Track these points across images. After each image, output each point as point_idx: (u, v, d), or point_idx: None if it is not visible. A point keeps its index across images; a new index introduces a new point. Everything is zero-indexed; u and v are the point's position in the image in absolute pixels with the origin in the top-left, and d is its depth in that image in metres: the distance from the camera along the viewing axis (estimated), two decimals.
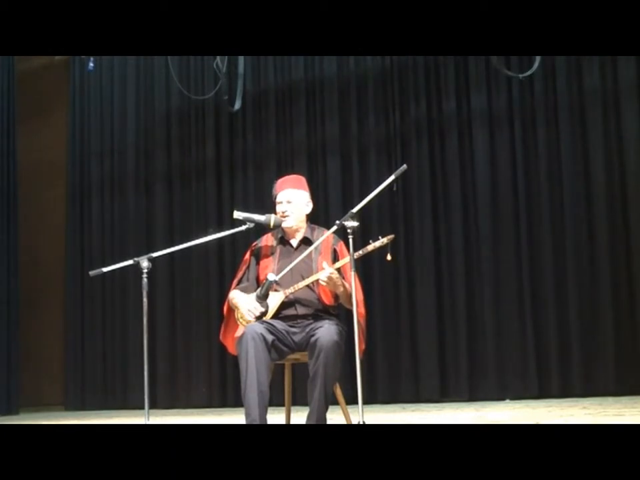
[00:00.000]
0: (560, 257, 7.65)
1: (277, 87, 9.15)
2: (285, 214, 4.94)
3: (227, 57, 8.35)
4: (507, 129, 7.99)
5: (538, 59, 7.38)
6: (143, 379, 7.80)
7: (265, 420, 4.60)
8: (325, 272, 4.65)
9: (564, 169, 7.70)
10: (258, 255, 5.02)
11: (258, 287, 4.85)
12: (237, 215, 4.90)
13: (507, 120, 7.99)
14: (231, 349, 4.97)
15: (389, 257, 4.68)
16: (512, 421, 5.75)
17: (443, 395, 8.01)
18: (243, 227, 4.88)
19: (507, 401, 7.59)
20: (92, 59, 8.94)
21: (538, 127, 7.85)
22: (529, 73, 7.47)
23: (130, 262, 4.82)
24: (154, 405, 9.08)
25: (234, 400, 8.53)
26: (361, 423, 4.28)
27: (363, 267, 7.89)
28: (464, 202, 8.11)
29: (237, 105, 8.66)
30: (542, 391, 7.58)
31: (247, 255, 5.06)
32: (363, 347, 4.77)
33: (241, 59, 8.59)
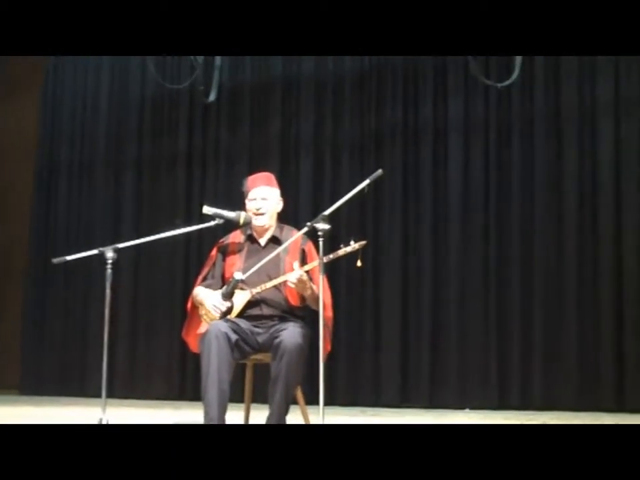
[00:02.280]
0: (527, 269, 7.64)
1: (253, 81, 9.06)
2: (260, 211, 4.88)
3: None
4: (481, 137, 7.97)
5: (517, 69, 7.34)
6: (101, 368, 7.74)
7: (224, 420, 4.55)
8: (295, 274, 4.59)
9: (536, 181, 7.69)
10: (225, 252, 4.96)
11: (223, 284, 4.79)
12: (207, 210, 4.84)
13: (483, 129, 7.97)
14: (193, 346, 4.90)
15: (359, 264, 4.63)
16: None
17: (403, 400, 7.97)
18: (212, 223, 4.82)
19: (467, 410, 7.57)
20: None
21: (513, 138, 7.83)
22: (507, 83, 7.44)
23: (95, 252, 4.75)
24: (111, 395, 8.85)
25: (192, 393, 8.44)
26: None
27: (330, 268, 7.81)
28: (434, 209, 8.08)
29: (212, 97, 8.57)
30: (502, 402, 7.56)
31: (214, 252, 5.00)
32: (329, 349, 4.73)
33: None
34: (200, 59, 8.33)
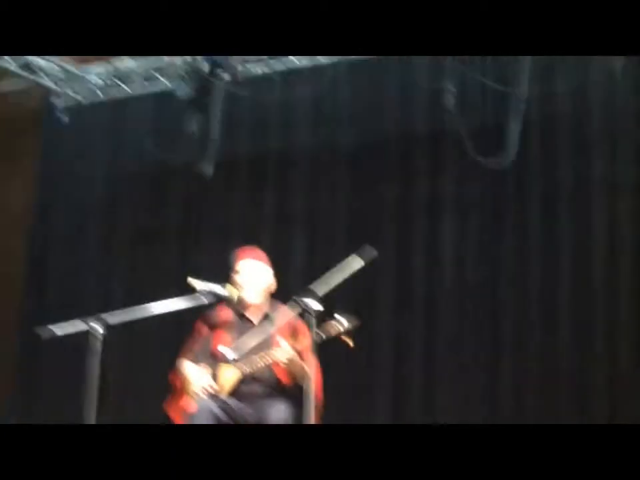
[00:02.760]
0: (521, 354, 7.50)
1: (250, 157, 9.02)
2: (254, 287, 4.81)
3: (201, 122, 8.25)
4: (476, 217, 7.88)
5: (512, 150, 7.32)
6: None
7: None
8: (284, 353, 4.52)
9: (531, 265, 7.58)
10: (214, 327, 4.88)
11: (211, 359, 4.70)
12: (195, 284, 4.77)
13: (478, 209, 7.89)
14: (176, 419, 4.79)
15: (351, 344, 4.57)
16: None
17: None
18: (205, 301, 4.73)
19: None
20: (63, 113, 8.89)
21: (506, 220, 7.73)
22: (503, 164, 7.40)
23: (84, 327, 4.68)
24: None
25: None
26: None
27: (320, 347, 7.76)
28: (427, 289, 7.96)
29: (209, 171, 8.52)
30: None
31: (200, 325, 4.91)
32: None
33: (216, 124, 8.46)
34: (198, 133, 8.31)
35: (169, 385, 5.10)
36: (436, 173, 8.15)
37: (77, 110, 9.57)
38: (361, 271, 7.78)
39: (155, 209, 9.42)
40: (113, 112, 9.62)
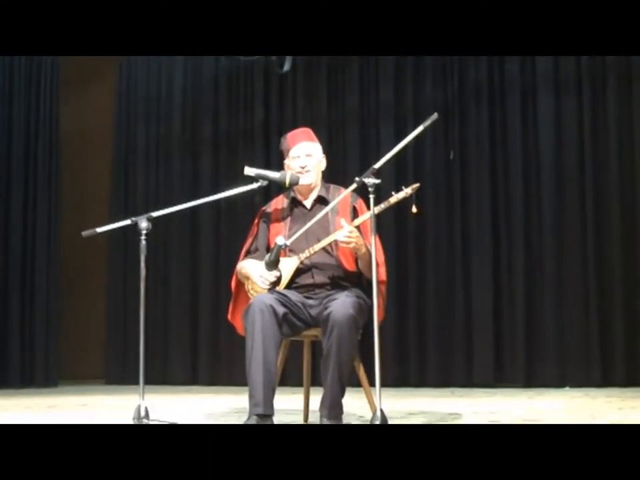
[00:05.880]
0: (629, 235, 6.99)
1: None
2: (306, 169, 4.41)
3: None
4: (574, 92, 7.32)
5: None
6: (184, 354, 7.22)
7: (271, 402, 4.06)
8: (343, 230, 4.08)
9: (636, 136, 7.00)
10: (268, 220, 4.47)
11: (267, 253, 4.32)
12: (248, 171, 4.40)
13: (575, 82, 7.32)
14: (240, 329, 4.43)
15: (414, 209, 4.11)
16: (564, 411, 5.19)
17: (497, 379, 7.41)
18: (255, 185, 4.36)
19: (567, 388, 6.96)
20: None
21: (608, 92, 7.16)
22: None
23: (127, 222, 4.37)
24: (195, 382, 8.69)
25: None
26: None
27: (416, 240, 7.60)
28: (525, 172, 7.49)
29: (287, 67, 8.16)
30: (605, 380, 6.92)
31: (255, 221, 4.54)
32: (382, 316, 4.24)
33: None
34: None
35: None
36: None
37: None
38: (455, 158, 7.45)
39: (237, 111, 9.12)
40: None
